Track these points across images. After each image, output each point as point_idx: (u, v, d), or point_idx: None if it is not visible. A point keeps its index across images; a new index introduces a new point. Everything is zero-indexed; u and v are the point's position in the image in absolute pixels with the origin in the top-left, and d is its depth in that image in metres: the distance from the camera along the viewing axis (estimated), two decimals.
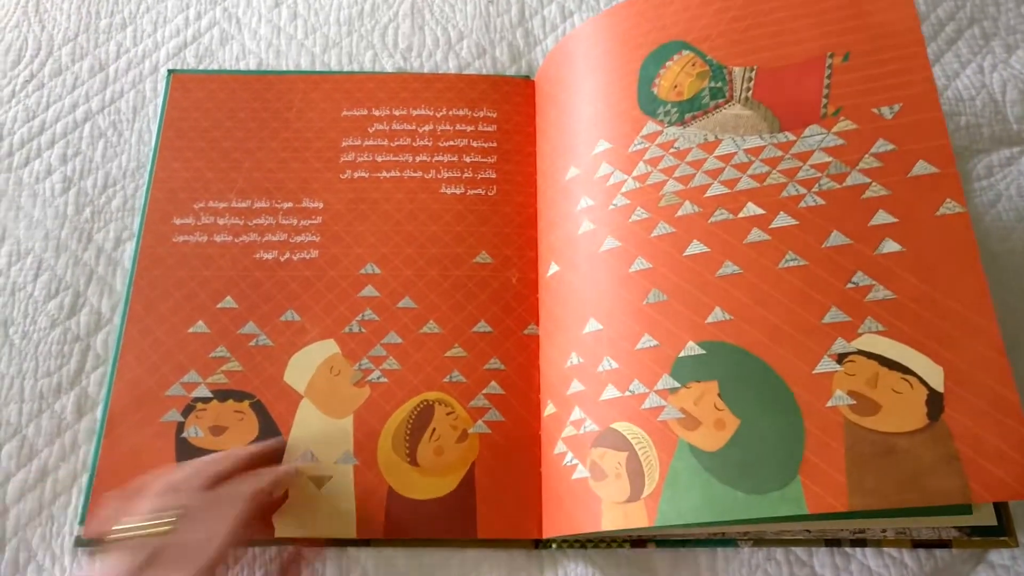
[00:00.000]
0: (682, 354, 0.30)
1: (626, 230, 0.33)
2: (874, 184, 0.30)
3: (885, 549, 0.33)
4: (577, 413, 0.32)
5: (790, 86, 0.33)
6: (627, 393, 0.30)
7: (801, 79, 0.33)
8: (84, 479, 0.35)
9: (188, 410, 0.35)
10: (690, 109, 0.34)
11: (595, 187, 0.35)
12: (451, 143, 0.41)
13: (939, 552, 0.33)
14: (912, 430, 0.27)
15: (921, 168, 0.30)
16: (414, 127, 0.42)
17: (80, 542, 0.34)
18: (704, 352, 0.30)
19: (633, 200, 0.33)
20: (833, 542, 0.33)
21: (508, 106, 0.42)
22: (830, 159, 0.31)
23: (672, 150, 0.34)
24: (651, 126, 0.35)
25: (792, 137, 0.32)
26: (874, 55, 0.32)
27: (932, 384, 0.27)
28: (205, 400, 0.36)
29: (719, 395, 0.29)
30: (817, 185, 0.31)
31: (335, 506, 0.34)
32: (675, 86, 0.35)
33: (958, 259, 0.29)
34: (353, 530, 0.33)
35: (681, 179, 0.33)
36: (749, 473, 0.28)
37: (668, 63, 0.36)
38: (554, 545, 0.34)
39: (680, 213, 0.33)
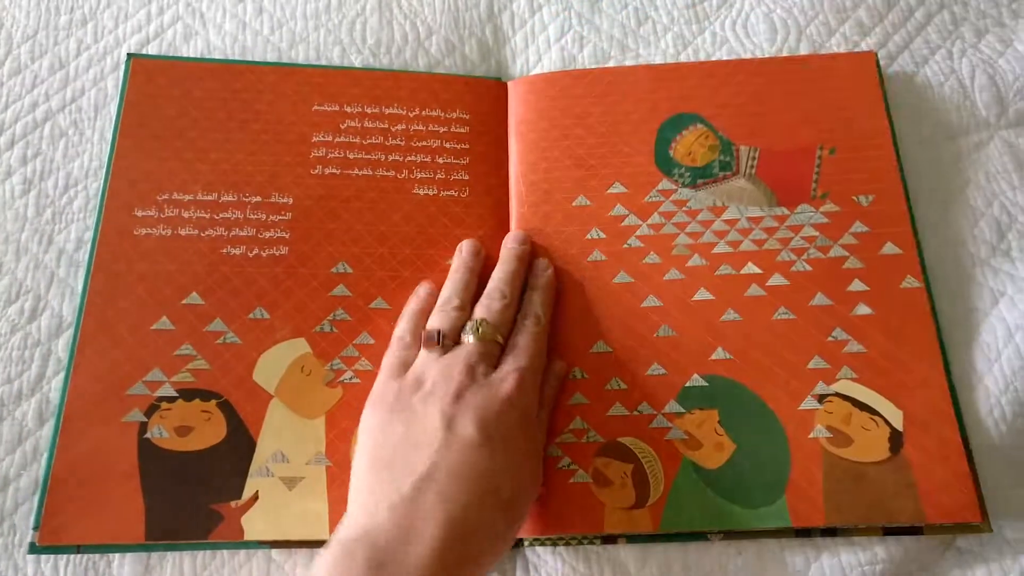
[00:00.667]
0: (688, 384, 0.35)
1: (639, 269, 0.37)
2: (851, 257, 0.37)
3: (855, 538, 0.33)
4: (579, 423, 0.34)
5: (787, 168, 0.39)
6: (635, 412, 0.34)
7: (796, 164, 0.39)
8: None
9: (152, 410, 0.34)
10: (702, 175, 0.39)
11: (608, 223, 0.38)
12: (424, 143, 0.40)
13: (907, 540, 0.33)
14: (878, 460, 0.33)
15: (889, 248, 0.37)
16: (386, 126, 0.41)
17: (34, 548, 0.32)
18: (707, 384, 0.35)
19: (647, 244, 0.38)
20: (803, 532, 0.33)
21: (481, 108, 0.41)
22: (817, 233, 0.37)
23: (685, 208, 0.39)
24: (666, 183, 0.39)
25: (787, 212, 0.38)
26: (854, 152, 0.39)
27: (894, 424, 0.33)
28: (170, 399, 0.35)
29: (719, 422, 0.34)
30: (806, 254, 0.37)
31: (306, 507, 0.33)
32: (689, 153, 0.40)
33: (916, 324, 0.35)
34: (325, 531, 0.33)
35: (692, 235, 0.38)
36: (743, 490, 0.33)
37: (684, 131, 0.40)
38: (527, 542, 0.33)
39: (690, 263, 0.37)
